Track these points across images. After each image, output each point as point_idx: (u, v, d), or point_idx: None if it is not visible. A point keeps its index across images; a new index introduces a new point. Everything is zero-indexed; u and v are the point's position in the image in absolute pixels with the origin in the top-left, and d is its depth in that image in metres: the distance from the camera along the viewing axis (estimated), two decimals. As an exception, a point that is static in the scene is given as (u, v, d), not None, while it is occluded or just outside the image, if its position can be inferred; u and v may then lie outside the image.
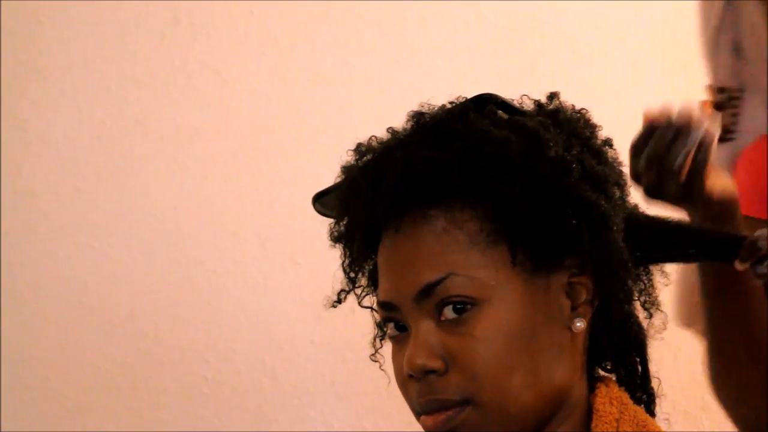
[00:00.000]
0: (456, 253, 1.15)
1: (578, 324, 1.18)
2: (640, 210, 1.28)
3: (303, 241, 2.20)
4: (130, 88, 2.28)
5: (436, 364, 1.15)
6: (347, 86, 2.25)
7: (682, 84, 2.16)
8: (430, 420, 1.16)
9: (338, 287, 1.28)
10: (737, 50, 1.72)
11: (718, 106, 1.72)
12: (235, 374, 2.23)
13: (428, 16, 2.25)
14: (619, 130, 1.69)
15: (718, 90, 1.73)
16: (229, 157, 2.27)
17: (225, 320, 2.24)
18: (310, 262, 2.20)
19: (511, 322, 1.15)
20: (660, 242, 1.27)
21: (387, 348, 1.28)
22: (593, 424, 1.18)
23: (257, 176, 2.26)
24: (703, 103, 1.74)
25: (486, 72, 2.22)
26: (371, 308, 1.27)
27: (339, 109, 2.25)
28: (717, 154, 1.68)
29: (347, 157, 1.24)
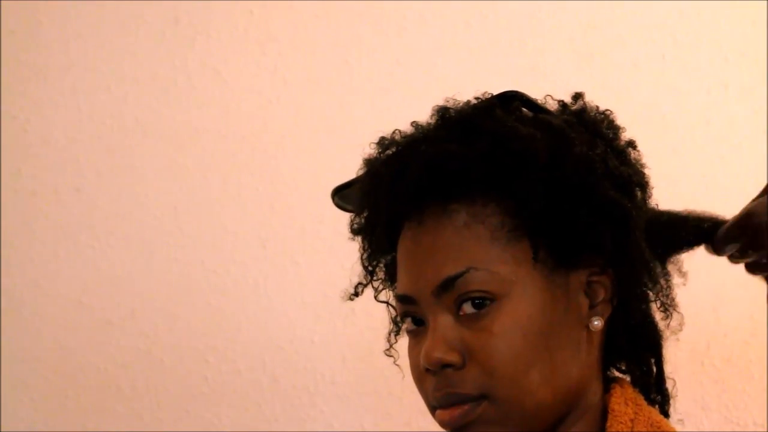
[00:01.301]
0: (477, 247, 1.15)
1: (596, 322, 1.18)
2: (660, 209, 1.28)
3: (303, 241, 2.20)
4: (130, 88, 2.28)
5: (453, 358, 1.15)
6: (347, 86, 2.25)
7: (682, 84, 2.16)
8: (446, 414, 1.16)
9: (356, 280, 1.28)
10: None
11: None
12: (235, 374, 2.23)
13: (428, 16, 2.25)
14: (621, 130, 1.68)
15: None
16: (229, 157, 2.26)
17: (225, 320, 2.24)
18: (310, 262, 2.20)
19: (530, 319, 1.15)
20: (681, 234, 1.27)
21: (400, 344, 1.28)
22: (608, 424, 1.18)
23: (257, 176, 2.26)
24: None
25: (486, 72, 2.21)
26: (387, 303, 1.27)
27: (339, 109, 2.25)
28: None
29: (370, 150, 1.24)
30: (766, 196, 1.25)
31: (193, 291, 2.24)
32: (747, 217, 1.25)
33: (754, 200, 1.27)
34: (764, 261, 1.28)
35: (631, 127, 1.64)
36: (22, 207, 2.27)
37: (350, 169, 1.27)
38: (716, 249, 1.27)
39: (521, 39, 2.23)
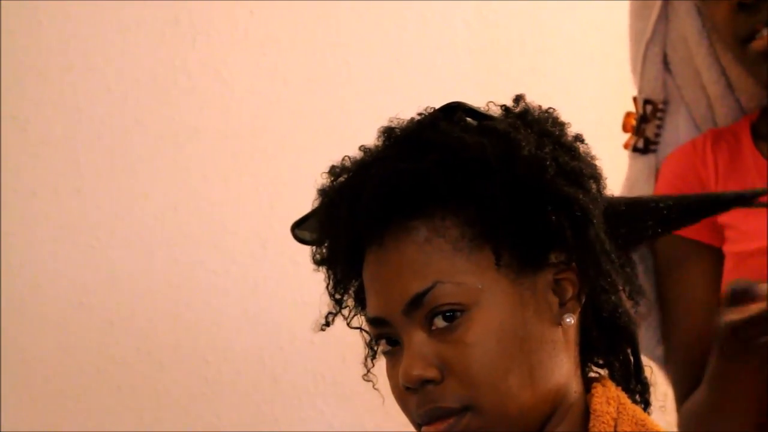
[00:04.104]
0: (440, 261, 1.16)
1: (568, 320, 1.19)
2: (618, 197, 1.29)
3: (303, 241, 2.20)
4: (130, 88, 2.28)
5: (431, 373, 1.16)
6: (347, 86, 2.25)
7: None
8: (431, 429, 1.17)
9: (325, 310, 1.28)
10: (665, 63, 1.75)
11: (643, 118, 1.74)
12: (235, 374, 2.23)
13: (428, 16, 2.25)
14: (619, 130, 1.68)
15: (645, 102, 1.75)
16: (229, 157, 2.26)
17: (225, 320, 2.24)
18: (310, 262, 2.19)
19: (502, 324, 1.15)
20: (646, 219, 1.29)
21: (379, 367, 1.28)
22: (591, 424, 1.18)
23: (257, 176, 2.26)
24: (629, 115, 1.76)
25: (486, 72, 2.21)
26: (360, 329, 1.27)
27: (339, 109, 2.25)
28: (644, 168, 1.73)
29: (322, 180, 1.24)
30: None
31: (193, 291, 2.24)
32: None
33: None
34: None
35: (630, 127, 1.64)
36: (22, 207, 2.27)
37: (319, 184, 1.27)
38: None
39: (521, 39, 2.23)
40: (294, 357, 2.22)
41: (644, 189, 1.73)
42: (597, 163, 1.25)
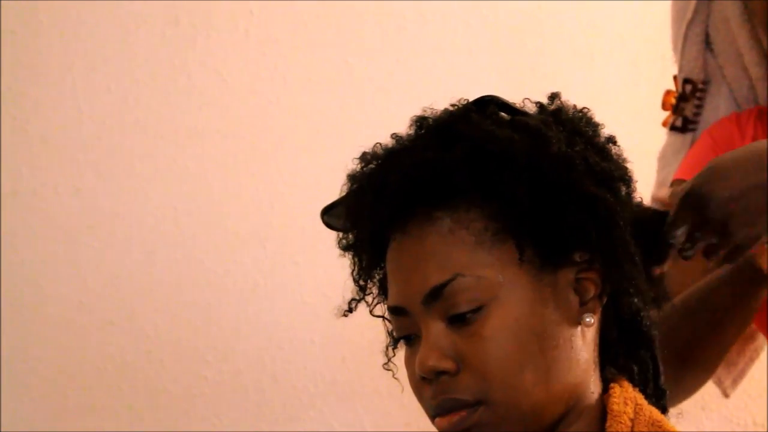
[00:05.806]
0: (462, 253, 1.16)
1: (588, 319, 1.18)
2: (646, 205, 1.29)
3: (303, 241, 2.20)
4: (130, 88, 2.28)
5: (447, 365, 1.15)
6: (347, 86, 2.25)
7: (682, 84, 2.16)
8: (444, 421, 1.16)
9: (349, 296, 1.28)
10: (707, 43, 1.74)
11: (682, 97, 1.74)
12: (235, 374, 2.23)
13: (428, 16, 2.25)
14: (619, 130, 1.68)
15: (684, 81, 1.75)
16: (229, 157, 2.27)
17: (225, 320, 2.24)
18: (310, 262, 2.20)
19: (520, 320, 1.15)
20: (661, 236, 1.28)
21: (399, 357, 1.28)
22: (608, 424, 1.18)
23: (257, 176, 2.26)
24: (668, 93, 1.76)
25: (486, 72, 2.22)
26: (383, 317, 1.27)
27: (339, 109, 2.25)
28: (676, 143, 1.72)
29: (353, 165, 1.24)
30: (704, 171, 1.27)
31: (193, 291, 2.24)
32: (690, 194, 1.27)
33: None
34: (716, 241, 1.30)
35: (631, 127, 1.64)
36: (22, 207, 2.27)
37: (350, 169, 1.27)
38: (667, 241, 1.28)
39: (521, 39, 2.23)
40: (294, 357, 2.22)
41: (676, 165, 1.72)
42: (628, 166, 1.24)
